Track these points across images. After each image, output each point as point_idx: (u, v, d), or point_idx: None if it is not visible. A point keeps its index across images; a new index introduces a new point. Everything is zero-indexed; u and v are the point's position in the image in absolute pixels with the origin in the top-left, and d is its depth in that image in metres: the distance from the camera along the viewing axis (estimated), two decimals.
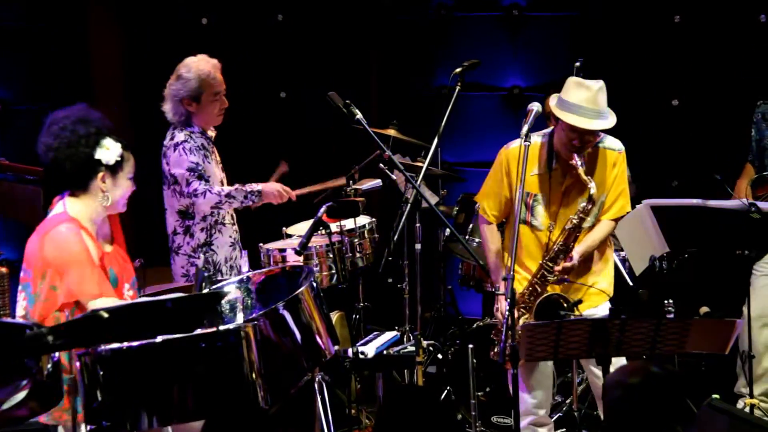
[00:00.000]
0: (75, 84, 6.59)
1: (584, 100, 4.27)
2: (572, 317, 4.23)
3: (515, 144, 4.48)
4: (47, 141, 3.74)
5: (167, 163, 4.93)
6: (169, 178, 4.95)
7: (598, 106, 4.28)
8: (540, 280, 4.37)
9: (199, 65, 4.93)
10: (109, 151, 3.73)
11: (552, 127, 4.46)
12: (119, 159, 3.76)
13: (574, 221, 4.33)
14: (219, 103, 4.98)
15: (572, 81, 4.35)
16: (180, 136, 4.93)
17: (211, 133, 5.11)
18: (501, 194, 4.49)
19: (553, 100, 4.35)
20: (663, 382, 2.81)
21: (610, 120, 4.32)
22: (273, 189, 4.99)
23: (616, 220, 4.51)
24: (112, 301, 3.72)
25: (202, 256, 4.92)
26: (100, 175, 3.75)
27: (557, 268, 4.32)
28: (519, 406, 4.48)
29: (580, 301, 4.30)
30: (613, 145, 4.47)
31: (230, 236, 5.06)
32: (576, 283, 4.43)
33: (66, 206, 3.79)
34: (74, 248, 3.69)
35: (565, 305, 4.29)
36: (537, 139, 4.46)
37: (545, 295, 4.35)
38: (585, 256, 4.40)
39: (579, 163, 4.28)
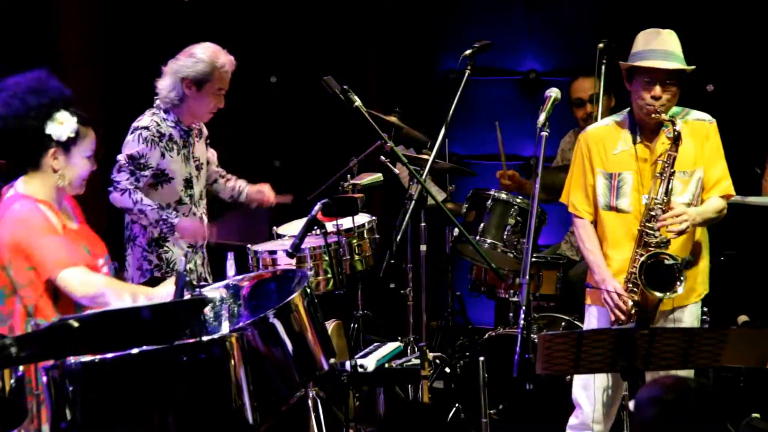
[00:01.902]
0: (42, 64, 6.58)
1: (653, 42, 4.36)
2: (683, 266, 4.21)
3: (592, 126, 4.58)
4: None
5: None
6: None
7: (668, 47, 4.36)
8: (644, 250, 4.36)
9: (217, 54, 5.00)
10: (62, 125, 3.72)
11: (627, 109, 4.51)
12: (73, 135, 3.74)
13: (665, 162, 4.33)
14: (217, 100, 5.01)
15: (641, 33, 4.45)
16: (145, 120, 4.98)
17: (195, 127, 5.11)
18: (586, 185, 4.51)
19: (624, 65, 4.42)
20: (701, 399, 2.80)
21: (684, 64, 4.36)
22: (188, 228, 4.99)
23: (725, 199, 4.46)
24: (85, 272, 3.72)
25: (183, 258, 4.93)
26: (51, 151, 3.74)
27: (663, 217, 4.28)
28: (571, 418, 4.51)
29: (689, 258, 4.29)
30: (702, 116, 4.52)
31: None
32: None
33: (17, 187, 3.80)
34: (33, 221, 3.71)
35: (671, 259, 4.25)
36: (615, 119, 4.53)
37: (647, 254, 4.32)
38: (697, 220, 4.35)
39: (661, 112, 4.31)
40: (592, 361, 3.70)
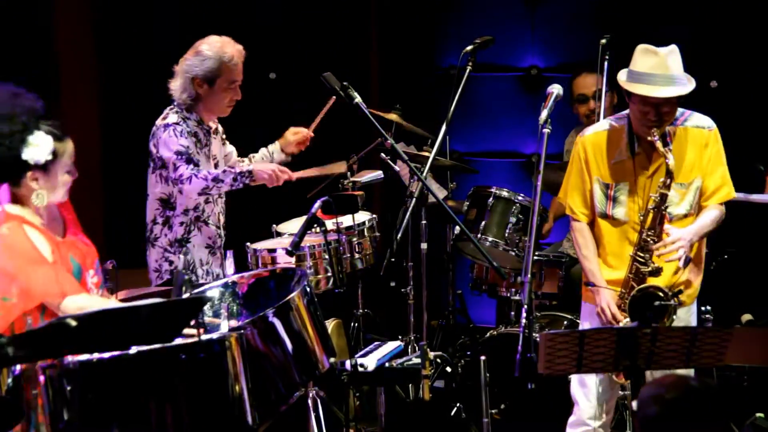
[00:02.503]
0: (38, 72, 6.59)
1: (653, 67, 4.26)
2: (672, 306, 4.20)
3: (591, 130, 4.51)
4: None
5: (155, 145, 4.94)
6: (156, 161, 4.96)
7: (669, 71, 4.27)
8: (636, 276, 4.35)
9: (223, 47, 4.96)
10: (38, 148, 3.64)
11: (629, 110, 4.45)
12: (51, 157, 3.68)
13: (656, 199, 4.29)
14: (232, 94, 4.99)
15: (639, 48, 4.36)
16: (173, 117, 4.94)
17: (213, 125, 5.11)
18: (585, 188, 4.48)
19: (622, 75, 4.36)
20: (703, 398, 2.80)
21: (686, 87, 4.29)
22: (266, 169, 4.97)
23: (723, 205, 4.44)
24: (83, 299, 3.71)
25: (182, 256, 4.92)
26: (29, 174, 3.68)
27: (656, 246, 4.27)
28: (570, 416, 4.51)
29: (681, 291, 4.27)
30: (701, 122, 4.45)
31: (209, 237, 5.06)
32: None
33: (5, 206, 3.76)
34: (21, 249, 3.66)
35: (662, 294, 4.25)
36: (613, 123, 4.47)
37: (638, 288, 4.32)
38: (695, 239, 4.34)
39: (657, 137, 4.27)
40: (595, 361, 3.70)
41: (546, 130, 4.23)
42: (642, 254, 4.31)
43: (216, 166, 5.10)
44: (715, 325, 4.90)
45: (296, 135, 5.31)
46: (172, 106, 5.00)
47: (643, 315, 4.26)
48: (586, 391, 4.46)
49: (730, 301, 5.50)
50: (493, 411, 5.24)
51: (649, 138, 4.30)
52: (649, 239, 4.30)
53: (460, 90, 5.16)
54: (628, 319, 4.33)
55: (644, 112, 4.28)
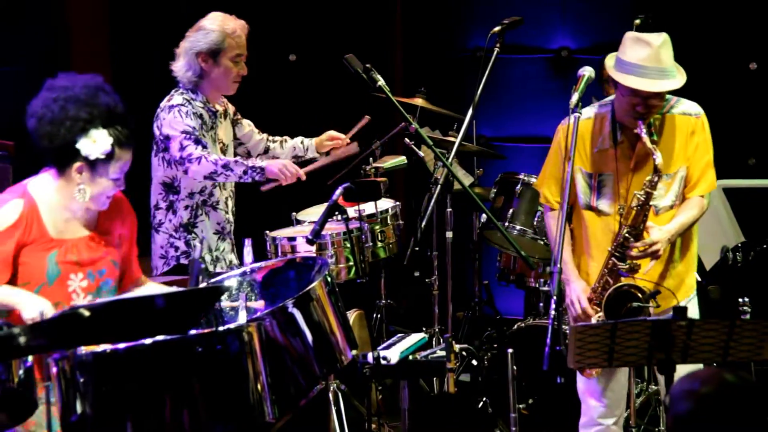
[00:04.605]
0: (49, 46, 6.61)
1: (644, 59, 4.22)
2: (649, 310, 4.18)
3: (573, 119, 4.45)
4: (34, 106, 3.72)
5: (159, 126, 4.96)
6: (159, 143, 4.97)
7: (662, 64, 4.22)
8: (611, 271, 4.32)
9: (226, 21, 5.03)
10: (94, 144, 3.69)
11: (612, 96, 4.41)
12: (103, 157, 3.70)
13: (641, 197, 4.26)
14: (237, 69, 5.02)
15: (629, 37, 4.30)
16: (178, 98, 4.97)
17: (221, 108, 5.12)
18: (563, 178, 4.43)
19: (610, 61, 4.31)
20: (739, 393, 2.79)
21: (678, 79, 4.25)
22: (277, 166, 4.98)
23: (705, 198, 4.39)
24: None
25: (199, 244, 4.93)
26: (77, 165, 3.72)
27: (636, 244, 4.26)
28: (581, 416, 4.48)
29: (658, 292, 4.24)
30: (689, 109, 4.40)
31: (218, 223, 5.07)
32: (647, 281, 4.33)
33: (31, 181, 3.79)
34: None
35: (640, 295, 4.23)
36: (596, 110, 4.42)
37: (615, 286, 4.30)
38: (673, 239, 4.31)
39: (644, 131, 4.23)
40: (627, 354, 3.69)
41: (577, 114, 4.20)
42: (621, 250, 4.27)
43: (223, 150, 5.10)
44: (753, 317, 4.88)
45: (332, 141, 5.29)
46: (177, 88, 5.03)
47: (621, 308, 4.23)
48: (592, 389, 4.44)
49: None
50: (520, 406, 5.24)
51: (635, 131, 4.24)
52: (629, 236, 4.26)
53: (487, 72, 5.15)
54: (600, 314, 4.30)
55: (633, 104, 4.23)
